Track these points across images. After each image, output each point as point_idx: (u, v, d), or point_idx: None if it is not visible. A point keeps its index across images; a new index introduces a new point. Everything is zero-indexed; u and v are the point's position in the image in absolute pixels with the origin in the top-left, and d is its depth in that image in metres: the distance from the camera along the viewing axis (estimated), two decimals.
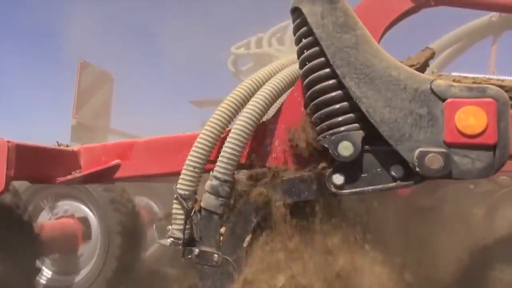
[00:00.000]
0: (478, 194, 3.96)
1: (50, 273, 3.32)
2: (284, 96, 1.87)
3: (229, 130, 1.80)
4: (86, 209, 3.30)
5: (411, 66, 1.54)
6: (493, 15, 5.25)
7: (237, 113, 1.82)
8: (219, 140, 1.80)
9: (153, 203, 4.43)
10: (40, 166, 1.85)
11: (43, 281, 3.26)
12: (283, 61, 2.05)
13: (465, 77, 1.64)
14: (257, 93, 1.79)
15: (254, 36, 6.03)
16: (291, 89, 1.85)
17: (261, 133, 1.81)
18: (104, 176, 2.00)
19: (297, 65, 1.94)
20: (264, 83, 1.86)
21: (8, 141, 1.64)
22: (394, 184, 1.45)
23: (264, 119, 1.84)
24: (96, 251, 3.20)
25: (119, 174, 2.00)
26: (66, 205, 3.29)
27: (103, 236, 3.15)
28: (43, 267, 3.30)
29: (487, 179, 3.99)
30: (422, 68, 1.63)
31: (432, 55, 1.62)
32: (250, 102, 1.75)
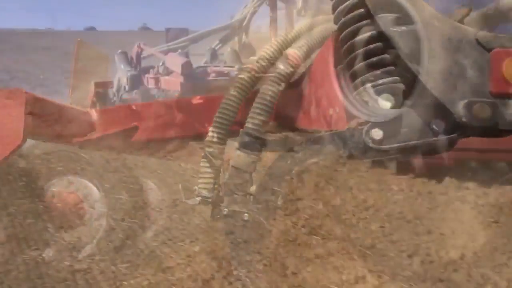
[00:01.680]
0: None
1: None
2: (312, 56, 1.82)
3: (255, 91, 1.75)
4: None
5: None
6: (488, 8, 5.30)
7: (265, 72, 1.76)
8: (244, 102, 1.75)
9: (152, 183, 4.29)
10: (57, 123, 1.74)
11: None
12: (304, 24, 2.00)
13: None
14: (286, 51, 1.75)
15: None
16: (319, 49, 1.80)
17: (289, 93, 1.75)
18: (122, 138, 1.91)
19: (322, 26, 1.91)
20: (290, 45, 1.81)
21: (26, 92, 1.54)
22: (435, 138, 1.41)
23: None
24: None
25: (137, 136, 1.91)
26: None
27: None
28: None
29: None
30: None
31: (469, 12, 1.59)
32: (281, 59, 1.71)
